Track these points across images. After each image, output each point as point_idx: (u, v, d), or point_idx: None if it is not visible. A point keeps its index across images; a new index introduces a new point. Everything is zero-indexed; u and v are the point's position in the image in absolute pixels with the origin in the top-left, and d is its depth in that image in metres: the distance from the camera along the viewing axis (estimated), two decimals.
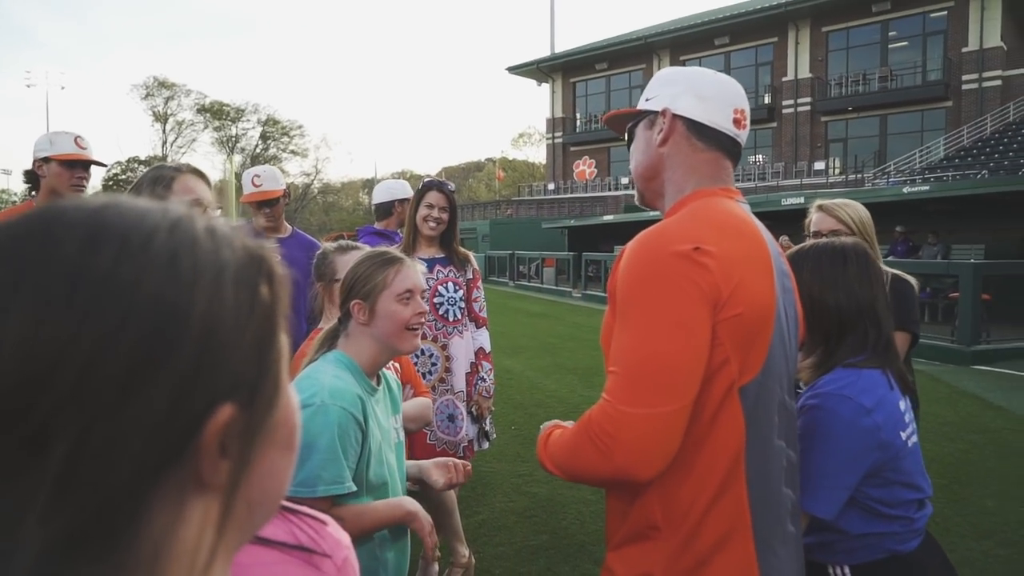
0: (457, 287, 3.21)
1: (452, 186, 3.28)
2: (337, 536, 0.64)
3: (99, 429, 0.33)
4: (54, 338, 0.33)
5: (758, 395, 1.15)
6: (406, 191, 3.84)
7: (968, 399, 6.95)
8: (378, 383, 1.71)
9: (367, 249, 2.45)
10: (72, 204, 0.38)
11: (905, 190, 15.22)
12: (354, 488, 1.51)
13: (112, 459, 0.34)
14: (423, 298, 1.71)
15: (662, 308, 1.10)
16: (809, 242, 1.70)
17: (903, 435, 1.53)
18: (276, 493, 0.47)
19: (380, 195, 3.92)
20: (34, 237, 0.36)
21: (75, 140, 2.81)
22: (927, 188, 15.18)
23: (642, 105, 1.35)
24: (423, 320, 1.70)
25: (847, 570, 1.56)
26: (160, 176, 1.91)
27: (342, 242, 2.52)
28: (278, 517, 0.62)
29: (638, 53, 31.92)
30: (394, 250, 1.77)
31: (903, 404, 1.57)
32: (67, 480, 0.33)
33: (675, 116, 1.28)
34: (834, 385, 1.52)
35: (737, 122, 1.30)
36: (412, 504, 1.64)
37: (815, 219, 2.38)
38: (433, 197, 3.18)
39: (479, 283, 3.34)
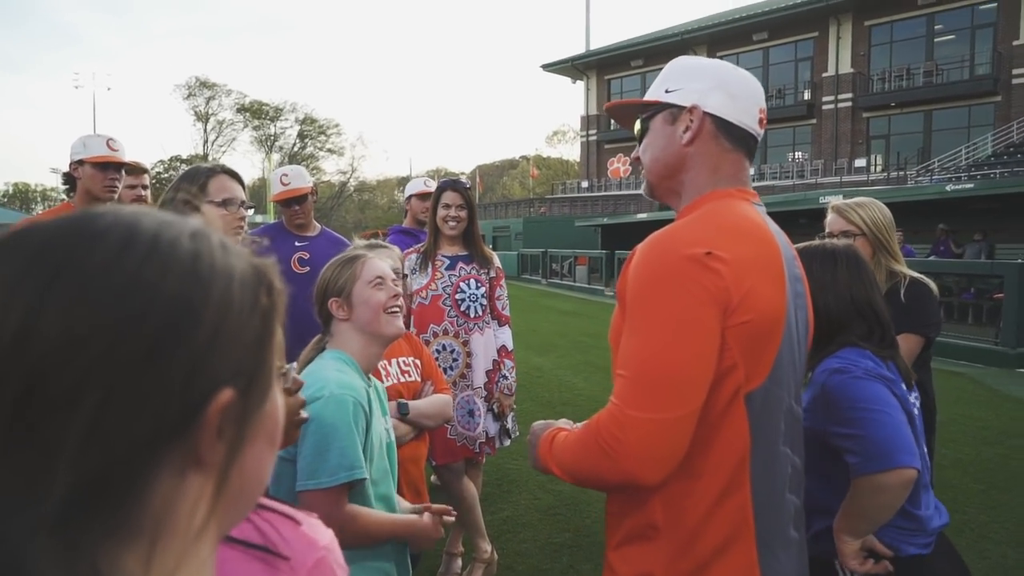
0: (479, 284, 3.24)
1: (467, 183, 3.31)
2: (312, 536, 0.63)
3: (122, 390, 0.40)
4: (89, 315, 0.40)
5: (764, 401, 1.14)
6: (415, 188, 4.02)
7: (1011, 403, 6.73)
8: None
9: (394, 248, 2.49)
10: (111, 210, 0.46)
11: (948, 188, 14.80)
12: (366, 475, 1.55)
13: (132, 417, 0.40)
14: (396, 284, 1.77)
15: (672, 312, 1.08)
16: (801, 244, 1.70)
17: None
18: (260, 481, 0.52)
19: (405, 194, 4.10)
20: (77, 235, 0.43)
21: (107, 143, 2.90)
22: (971, 186, 14.75)
23: (663, 97, 1.28)
24: (399, 303, 1.75)
25: None
26: (195, 176, 1.98)
27: (372, 240, 2.57)
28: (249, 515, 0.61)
29: (674, 49, 31.49)
30: (357, 249, 1.86)
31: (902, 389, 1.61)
32: (94, 430, 0.39)
33: (705, 114, 1.23)
34: (848, 361, 1.55)
35: (760, 122, 1.28)
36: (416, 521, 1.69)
37: (829, 220, 2.39)
38: (449, 197, 3.21)
39: (502, 281, 3.35)
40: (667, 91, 1.28)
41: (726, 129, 1.24)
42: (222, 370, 0.43)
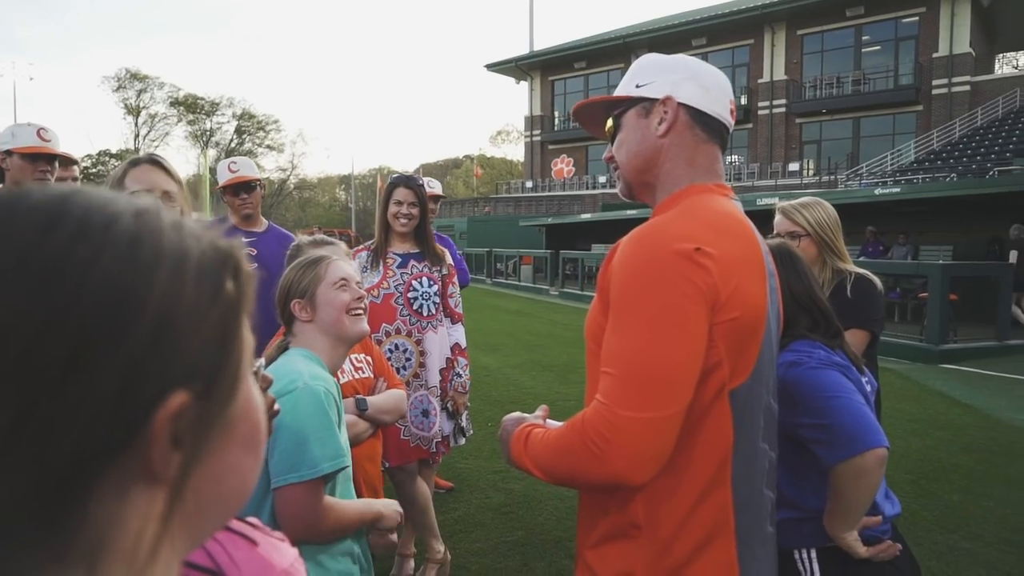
0: (432, 282, 3.20)
1: (420, 180, 3.27)
2: (269, 559, 0.56)
3: (41, 406, 0.33)
4: (2, 316, 0.33)
5: (747, 398, 1.13)
6: None
7: (935, 397, 7.09)
8: None
9: (340, 244, 2.45)
10: (38, 190, 0.38)
11: (877, 191, 15.47)
12: (348, 462, 1.53)
13: (53, 438, 0.33)
14: (359, 287, 1.77)
15: (662, 309, 1.06)
16: None
17: None
18: (236, 492, 0.45)
19: None
20: None
21: (38, 133, 2.75)
22: (898, 190, 15.44)
23: (633, 92, 1.26)
24: (363, 305, 1.74)
25: (814, 555, 1.59)
26: (121, 166, 1.90)
27: (317, 236, 2.53)
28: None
29: (616, 52, 32.04)
30: (320, 252, 1.85)
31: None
32: (6, 455, 0.33)
33: (679, 104, 1.22)
34: (802, 353, 1.59)
35: (732, 113, 1.28)
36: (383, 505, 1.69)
37: (776, 221, 2.47)
38: (401, 193, 3.16)
39: (454, 279, 3.32)
40: (637, 86, 1.27)
41: (701, 120, 1.23)
42: (172, 370, 0.37)
